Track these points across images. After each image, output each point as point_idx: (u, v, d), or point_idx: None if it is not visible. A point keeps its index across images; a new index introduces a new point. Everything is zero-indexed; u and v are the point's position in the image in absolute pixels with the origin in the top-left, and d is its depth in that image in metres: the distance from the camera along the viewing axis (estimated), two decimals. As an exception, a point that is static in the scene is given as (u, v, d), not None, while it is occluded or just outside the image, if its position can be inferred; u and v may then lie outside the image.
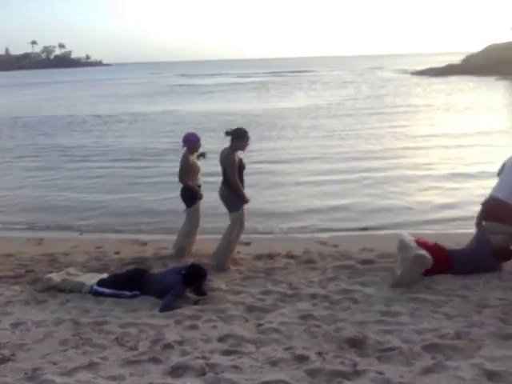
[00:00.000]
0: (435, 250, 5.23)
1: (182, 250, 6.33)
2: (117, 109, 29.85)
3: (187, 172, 6.10)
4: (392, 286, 4.95)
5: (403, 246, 5.24)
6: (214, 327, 4.14)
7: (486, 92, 32.95)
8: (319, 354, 3.58)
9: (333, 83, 49.64)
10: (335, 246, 6.65)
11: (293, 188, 10.60)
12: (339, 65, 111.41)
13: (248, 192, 5.88)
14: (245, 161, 5.87)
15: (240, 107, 28.32)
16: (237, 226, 5.84)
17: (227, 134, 5.74)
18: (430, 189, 10.15)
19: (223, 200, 5.89)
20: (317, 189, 10.47)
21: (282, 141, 16.93)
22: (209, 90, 45.46)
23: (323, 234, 7.59)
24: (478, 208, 5.64)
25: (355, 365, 3.43)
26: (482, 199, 5.63)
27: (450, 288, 4.82)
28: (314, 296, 4.81)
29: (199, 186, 6.30)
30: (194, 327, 4.18)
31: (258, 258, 6.21)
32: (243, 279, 5.41)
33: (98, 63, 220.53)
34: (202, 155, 6.41)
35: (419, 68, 63.13)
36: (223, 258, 5.82)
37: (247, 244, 6.94)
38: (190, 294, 4.93)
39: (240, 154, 5.83)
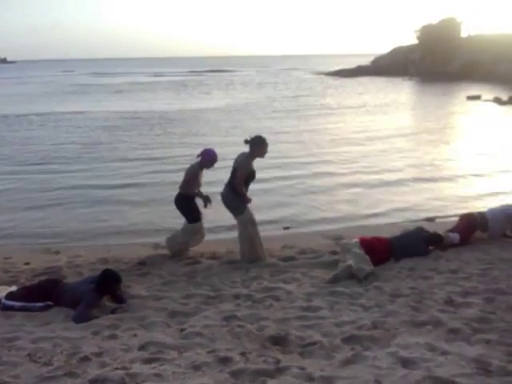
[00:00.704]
0: (378, 243, 5.68)
1: (176, 252, 6.29)
2: (24, 109, 28.00)
3: (192, 183, 6.15)
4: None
5: (346, 249, 5.56)
6: (135, 335, 3.99)
7: (393, 92, 34.93)
8: (242, 354, 3.57)
9: (250, 83, 50.14)
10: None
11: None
12: (258, 65, 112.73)
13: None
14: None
15: (156, 107, 27.71)
16: (248, 227, 5.92)
17: (246, 142, 5.84)
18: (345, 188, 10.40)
19: (226, 204, 6.00)
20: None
21: (203, 140, 16.78)
22: (122, 89, 43.89)
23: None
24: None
25: (278, 362, 3.45)
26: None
27: (367, 280, 5.04)
28: (237, 296, 4.81)
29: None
30: (112, 337, 3.99)
31: (180, 260, 6.10)
32: (164, 284, 5.28)
33: (1, 61, 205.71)
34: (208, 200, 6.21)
35: (332, 69, 65.66)
36: (253, 255, 5.93)
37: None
38: (109, 303, 4.73)
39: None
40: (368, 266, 5.24)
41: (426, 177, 11.01)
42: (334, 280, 5.07)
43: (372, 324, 4.01)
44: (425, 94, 33.40)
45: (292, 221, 8.18)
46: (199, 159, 6.13)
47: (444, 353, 3.46)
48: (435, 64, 47.80)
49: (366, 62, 62.10)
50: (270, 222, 7.91)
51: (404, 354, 3.47)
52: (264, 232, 6.49)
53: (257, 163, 6.00)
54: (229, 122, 20.92)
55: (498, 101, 25.77)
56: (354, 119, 21.36)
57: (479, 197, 9.27)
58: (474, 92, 29.44)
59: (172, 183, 10.19)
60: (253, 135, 5.90)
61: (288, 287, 4.99)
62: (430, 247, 5.90)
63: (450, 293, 4.59)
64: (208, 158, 6.10)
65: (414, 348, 3.56)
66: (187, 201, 6.18)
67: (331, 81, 50.16)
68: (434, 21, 51.62)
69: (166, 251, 6.53)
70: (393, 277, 5.15)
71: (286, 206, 9.10)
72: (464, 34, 51.13)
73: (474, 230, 6.30)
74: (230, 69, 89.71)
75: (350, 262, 5.21)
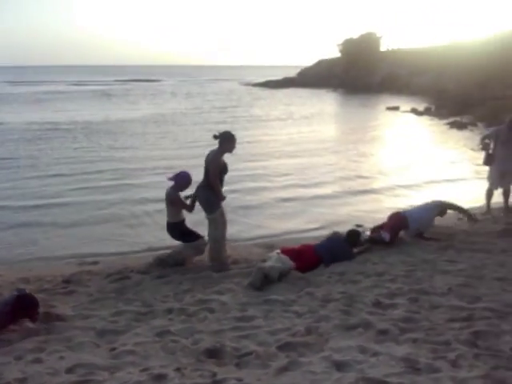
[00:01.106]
0: (302, 250, 5.84)
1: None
2: None
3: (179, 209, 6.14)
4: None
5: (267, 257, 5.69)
6: (61, 358, 3.76)
7: (318, 103, 36.07)
8: (177, 369, 3.48)
9: (178, 93, 49.72)
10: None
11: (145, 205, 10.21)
12: (186, 75, 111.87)
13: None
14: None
15: (78, 117, 26.58)
16: (218, 226, 6.05)
17: (215, 137, 5.94)
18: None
19: (200, 200, 6.08)
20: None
21: (130, 150, 16.34)
22: (41, 99, 41.53)
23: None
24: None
25: (214, 375, 3.40)
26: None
27: (300, 286, 5.12)
28: (169, 311, 4.69)
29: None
30: (37, 361, 3.74)
31: (108, 276, 5.88)
32: (92, 302, 5.04)
33: None
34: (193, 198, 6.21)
35: (260, 80, 66.76)
36: (218, 260, 6.09)
37: (95, 263, 6.57)
38: (31, 325, 4.43)
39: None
40: (284, 265, 5.38)
41: (358, 189, 11.09)
42: (251, 286, 5.16)
43: (306, 330, 4.06)
44: (348, 106, 34.83)
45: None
46: (172, 183, 6.10)
47: (375, 354, 3.58)
48: (357, 77, 49.95)
49: (292, 73, 63.69)
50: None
51: (337, 357, 3.55)
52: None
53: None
54: (156, 133, 20.54)
55: (414, 111, 27.40)
56: (283, 131, 21.74)
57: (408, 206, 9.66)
58: (393, 103, 31.08)
59: (97, 202, 9.89)
60: (221, 131, 6.04)
61: (222, 298, 4.95)
62: (355, 249, 6.17)
63: (378, 295, 4.76)
64: (183, 181, 6.10)
65: (346, 351, 3.65)
66: (180, 227, 6.16)
67: (259, 92, 50.91)
68: (355, 35, 54.07)
69: (92, 267, 6.28)
70: (324, 282, 5.27)
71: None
72: (383, 48, 53.95)
73: (401, 228, 6.68)
74: (157, 78, 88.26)
75: (263, 264, 5.34)
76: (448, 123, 21.88)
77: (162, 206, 6.35)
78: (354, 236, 6.35)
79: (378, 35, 53.79)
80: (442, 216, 6.94)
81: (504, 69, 26.22)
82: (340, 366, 3.43)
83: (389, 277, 5.30)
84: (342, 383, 3.17)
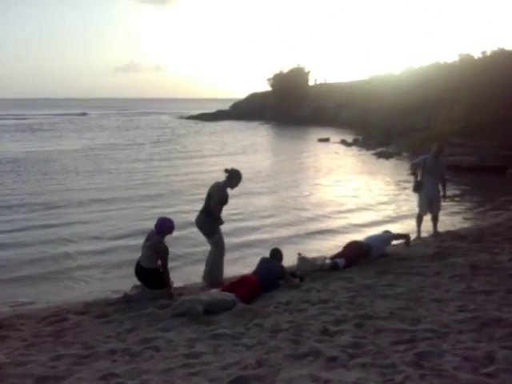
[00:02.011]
0: (246, 280, 5.96)
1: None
2: None
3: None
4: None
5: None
6: (-4, 411, 3.48)
7: (252, 136, 36.70)
8: (126, 414, 3.32)
9: (109, 126, 48.69)
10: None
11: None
12: (114, 108, 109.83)
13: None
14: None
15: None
16: (220, 245, 6.70)
17: (226, 171, 6.70)
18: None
19: (201, 226, 6.75)
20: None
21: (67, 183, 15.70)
22: None
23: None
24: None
25: (167, 417, 3.27)
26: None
27: (247, 318, 5.09)
28: (112, 352, 4.47)
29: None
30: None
31: (44, 319, 5.54)
32: (28, 347, 4.71)
33: None
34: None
35: (193, 113, 67.07)
36: (215, 276, 6.70)
37: (28, 304, 6.20)
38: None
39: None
40: (226, 297, 5.50)
41: (294, 220, 11.16)
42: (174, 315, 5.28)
43: (256, 362, 4.02)
44: (281, 137, 35.81)
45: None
46: (156, 231, 6.12)
47: (326, 381, 3.61)
48: (288, 109, 51.55)
49: (225, 106, 64.63)
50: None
51: (290, 388, 3.54)
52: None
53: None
54: (88, 167, 19.94)
55: (344, 142, 28.65)
56: (220, 163, 21.85)
57: (347, 231, 9.99)
58: (323, 135, 32.31)
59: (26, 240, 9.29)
60: (230, 167, 6.74)
61: (168, 335, 4.81)
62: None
63: (325, 322, 4.83)
64: (167, 227, 6.16)
65: (298, 381, 3.65)
66: (156, 275, 6.11)
67: (193, 124, 51.07)
68: (285, 70, 55.99)
69: (25, 309, 5.90)
70: (271, 312, 5.28)
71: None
72: (311, 82, 56.20)
73: (360, 255, 7.10)
74: (84, 111, 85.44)
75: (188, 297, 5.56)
76: (376, 153, 23.04)
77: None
78: (277, 252, 6.56)
79: (306, 70, 56.05)
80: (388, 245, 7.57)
81: (424, 101, 28.12)
82: (293, 396, 3.42)
83: (333, 304, 5.41)
84: (297, 414, 3.16)
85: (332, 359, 4.00)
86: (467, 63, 30.01)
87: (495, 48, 28.36)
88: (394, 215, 11.40)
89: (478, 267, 6.56)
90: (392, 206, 12.37)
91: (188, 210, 10.62)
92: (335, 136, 31.74)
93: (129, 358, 4.33)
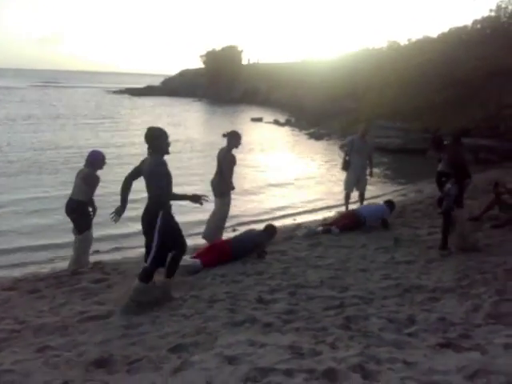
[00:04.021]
0: (218, 245, 6.30)
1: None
2: None
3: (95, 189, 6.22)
4: None
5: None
6: None
7: (184, 112, 36.21)
8: (65, 383, 3.31)
9: (28, 100, 45.90)
10: (60, 271, 6.23)
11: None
12: (36, 78, 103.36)
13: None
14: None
15: None
16: (225, 208, 6.97)
17: (224, 135, 6.91)
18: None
19: (213, 187, 6.99)
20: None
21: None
22: None
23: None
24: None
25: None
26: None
27: (184, 290, 5.17)
28: (46, 325, 4.40)
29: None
30: None
31: None
32: (-46, 324, 4.51)
33: None
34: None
35: (121, 87, 64.79)
36: (216, 234, 6.93)
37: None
38: None
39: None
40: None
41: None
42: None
43: (195, 331, 4.14)
44: (215, 116, 35.60)
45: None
46: (87, 164, 6.14)
47: (263, 345, 3.78)
48: (221, 88, 51.24)
49: (155, 82, 63.03)
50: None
51: (228, 352, 3.68)
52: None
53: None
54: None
55: (277, 122, 29.07)
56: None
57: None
58: (256, 115, 32.59)
59: None
60: (228, 131, 7.04)
61: (103, 308, 4.79)
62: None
63: (260, 292, 5.02)
64: (99, 159, 6.17)
65: (236, 346, 3.80)
66: (82, 207, 6.16)
67: (122, 99, 49.37)
68: (218, 47, 55.41)
69: None
70: (207, 284, 5.39)
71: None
72: (244, 61, 56.10)
73: (355, 225, 7.71)
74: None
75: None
76: (307, 133, 23.61)
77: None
78: (267, 227, 7.09)
79: (239, 48, 55.81)
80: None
81: (353, 85, 29.06)
82: (232, 360, 3.56)
83: (267, 275, 5.62)
84: (236, 375, 3.31)
85: (267, 325, 4.19)
86: (394, 49, 31.31)
87: (420, 36, 29.83)
88: (323, 192, 11.85)
89: (401, 240, 7.04)
90: (320, 185, 12.85)
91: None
92: (268, 116, 32.08)
93: (64, 330, 4.28)
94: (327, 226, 7.87)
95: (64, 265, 6.61)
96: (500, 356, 3.51)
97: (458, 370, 3.30)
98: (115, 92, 60.31)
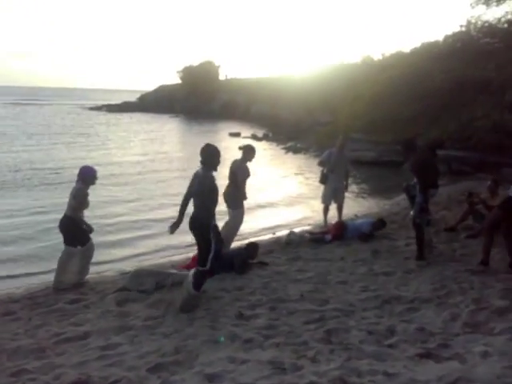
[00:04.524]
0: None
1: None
2: None
3: (83, 206, 6.14)
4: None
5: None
6: None
7: (162, 129, 36.07)
8: (42, 408, 3.23)
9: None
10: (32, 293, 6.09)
11: None
12: (20, 95, 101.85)
13: None
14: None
15: None
16: (238, 219, 6.96)
17: (240, 148, 7.19)
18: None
19: (225, 199, 6.97)
20: None
21: None
22: None
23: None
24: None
25: (84, 407, 3.23)
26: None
27: (163, 308, 5.10)
28: (22, 348, 4.29)
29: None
30: None
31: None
32: None
33: None
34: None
35: (98, 103, 64.31)
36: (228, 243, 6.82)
37: None
38: None
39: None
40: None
41: None
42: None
43: (175, 349, 4.09)
44: (192, 131, 35.49)
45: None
46: (79, 180, 6.11)
47: (244, 362, 3.77)
48: (198, 103, 51.25)
49: (131, 98, 62.74)
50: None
51: (209, 370, 3.65)
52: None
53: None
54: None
55: (255, 137, 29.16)
56: (127, 154, 21.30)
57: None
58: (234, 130, 32.62)
59: None
60: (243, 144, 7.30)
61: (81, 329, 4.69)
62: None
63: (240, 308, 4.99)
64: (90, 175, 6.15)
65: (217, 363, 3.78)
66: (73, 223, 6.10)
67: (99, 116, 48.95)
68: (195, 63, 55.55)
69: None
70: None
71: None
72: (222, 76, 56.32)
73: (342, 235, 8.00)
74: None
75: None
76: (285, 148, 23.75)
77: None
78: (253, 247, 6.94)
79: (216, 64, 56.08)
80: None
81: (329, 99, 29.44)
82: (212, 378, 3.54)
83: (248, 290, 5.60)
84: (217, 393, 3.28)
85: (248, 341, 4.17)
86: (368, 64, 31.90)
87: (393, 50, 30.50)
88: (304, 206, 11.90)
89: (379, 252, 7.11)
90: (299, 198, 12.90)
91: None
92: (246, 131, 32.19)
93: (40, 353, 4.18)
94: (319, 234, 8.17)
95: (42, 283, 6.48)
96: (478, 365, 3.56)
97: (438, 379, 3.33)
98: (91, 108, 59.75)
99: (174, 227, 5.60)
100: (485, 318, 4.51)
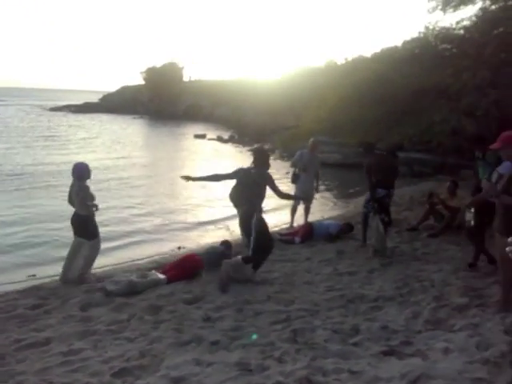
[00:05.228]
0: (187, 260, 6.40)
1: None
2: None
3: (88, 199, 6.17)
4: None
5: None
6: None
7: (126, 130, 35.49)
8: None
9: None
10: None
11: None
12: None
13: None
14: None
15: None
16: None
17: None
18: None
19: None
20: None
21: None
22: None
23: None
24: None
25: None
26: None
27: (128, 312, 5.02)
28: (-21, 356, 4.13)
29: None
30: None
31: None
32: None
33: None
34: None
35: (59, 104, 62.67)
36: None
37: None
38: None
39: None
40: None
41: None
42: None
43: (139, 353, 4.02)
44: (156, 133, 35.08)
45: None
46: (76, 178, 6.18)
47: (210, 364, 3.75)
48: (162, 105, 50.74)
49: (94, 98, 61.52)
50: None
51: (174, 373, 3.62)
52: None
53: None
54: None
55: (220, 139, 29.12)
56: (91, 157, 20.83)
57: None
58: (199, 131, 32.44)
59: None
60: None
61: (42, 335, 4.56)
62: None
63: (207, 310, 4.96)
64: (86, 170, 6.23)
65: (182, 366, 3.74)
66: (87, 220, 6.21)
67: (60, 117, 47.70)
68: (158, 64, 54.94)
69: None
70: (153, 305, 5.24)
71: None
72: (185, 78, 55.92)
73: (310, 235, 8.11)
74: None
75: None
76: (251, 150, 23.80)
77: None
78: (227, 242, 7.03)
79: (180, 65, 55.64)
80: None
81: (293, 102, 29.72)
82: (178, 381, 3.51)
83: (214, 292, 5.56)
84: (183, 397, 3.25)
85: (214, 343, 4.15)
86: (332, 68, 32.37)
87: (356, 55, 31.07)
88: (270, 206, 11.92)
89: (344, 252, 7.22)
90: (266, 199, 12.91)
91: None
92: (211, 133, 32.08)
93: (0, 360, 4.04)
94: (288, 235, 8.19)
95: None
96: (440, 361, 3.67)
97: (402, 376, 3.41)
98: (52, 109, 58.15)
99: (188, 178, 5.99)
100: (445, 315, 4.65)
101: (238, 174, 6.08)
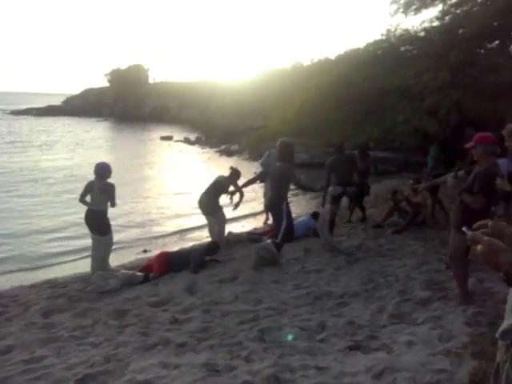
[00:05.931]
0: (158, 258, 6.64)
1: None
2: None
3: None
4: None
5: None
6: None
7: (90, 133, 34.83)
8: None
9: None
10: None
11: None
12: None
13: None
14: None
15: None
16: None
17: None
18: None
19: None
20: None
21: None
22: None
23: None
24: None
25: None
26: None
27: (92, 317, 4.91)
28: None
29: None
30: None
31: None
32: None
33: None
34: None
35: (20, 107, 60.97)
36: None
37: None
38: None
39: None
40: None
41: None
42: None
43: (104, 359, 3.94)
44: (122, 135, 34.56)
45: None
46: (98, 177, 6.55)
47: (176, 366, 3.70)
48: (127, 107, 50.07)
49: (55, 101, 60.11)
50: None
51: (140, 377, 3.55)
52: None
53: None
54: None
55: (187, 141, 28.92)
56: (56, 159, 20.35)
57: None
58: (165, 133, 32.18)
59: None
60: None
61: (3, 343, 4.41)
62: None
63: (173, 312, 4.91)
64: (108, 169, 6.68)
65: (148, 370, 3.68)
66: (103, 216, 6.58)
67: (21, 120, 46.38)
68: (123, 66, 54.19)
69: None
70: (118, 309, 5.16)
71: None
72: (151, 80, 55.34)
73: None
74: None
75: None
76: (218, 151, 23.74)
77: None
78: (214, 247, 7.10)
79: (145, 67, 55.02)
80: None
81: (260, 104, 29.78)
82: (144, 385, 3.44)
83: (181, 294, 5.51)
84: (149, 400, 3.20)
85: (181, 345, 4.11)
86: (298, 69, 32.61)
87: (322, 57, 31.40)
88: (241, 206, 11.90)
89: (311, 250, 7.28)
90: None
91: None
92: (178, 134, 31.85)
93: (-46, 372, 3.88)
94: (257, 235, 8.22)
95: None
96: (404, 354, 3.73)
97: (367, 370, 3.45)
98: (13, 112, 56.52)
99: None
100: (409, 308, 4.73)
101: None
